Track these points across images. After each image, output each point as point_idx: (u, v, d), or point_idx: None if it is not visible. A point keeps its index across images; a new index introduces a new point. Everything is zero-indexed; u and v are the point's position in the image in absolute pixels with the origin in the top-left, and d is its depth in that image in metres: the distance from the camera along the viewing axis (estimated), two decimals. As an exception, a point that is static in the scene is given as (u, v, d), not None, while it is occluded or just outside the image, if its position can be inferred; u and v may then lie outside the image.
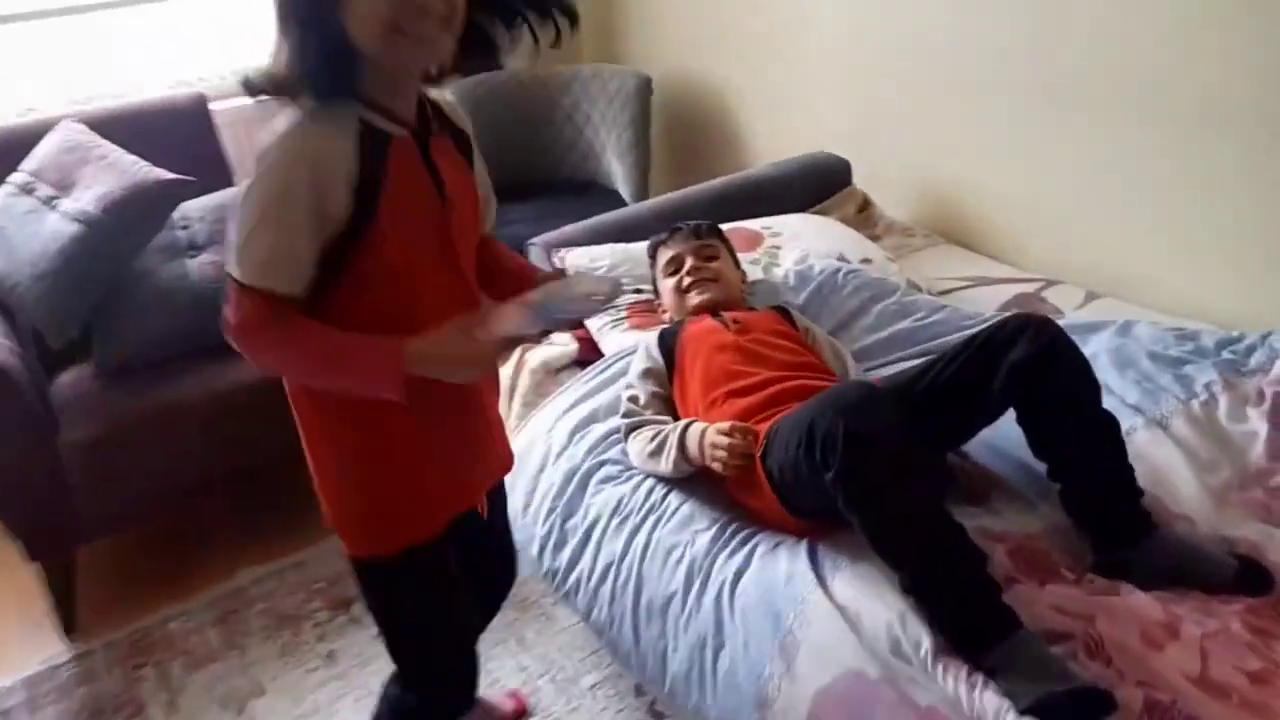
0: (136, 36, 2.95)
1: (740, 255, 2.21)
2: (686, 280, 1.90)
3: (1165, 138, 2.05)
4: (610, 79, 3.09)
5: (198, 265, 2.36)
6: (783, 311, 1.88)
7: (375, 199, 1.11)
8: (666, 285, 1.96)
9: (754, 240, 2.27)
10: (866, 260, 2.20)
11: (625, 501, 1.65)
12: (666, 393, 1.75)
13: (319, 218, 1.09)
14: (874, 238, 2.50)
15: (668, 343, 1.79)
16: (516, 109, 3.15)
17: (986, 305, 2.16)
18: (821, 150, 2.66)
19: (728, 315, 1.81)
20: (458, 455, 1.29)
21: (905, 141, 2.64)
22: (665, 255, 1.99)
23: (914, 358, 1.92)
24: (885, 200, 2.65)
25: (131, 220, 2.23)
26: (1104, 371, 1.71)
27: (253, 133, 2.98)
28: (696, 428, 1.56)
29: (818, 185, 2.57)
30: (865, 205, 2.60)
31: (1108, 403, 1.45)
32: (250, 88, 1.10)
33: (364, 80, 1.11)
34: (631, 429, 1.70)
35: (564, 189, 3.14)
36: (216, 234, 2.43)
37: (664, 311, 2.00)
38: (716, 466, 1.50)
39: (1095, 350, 1.79)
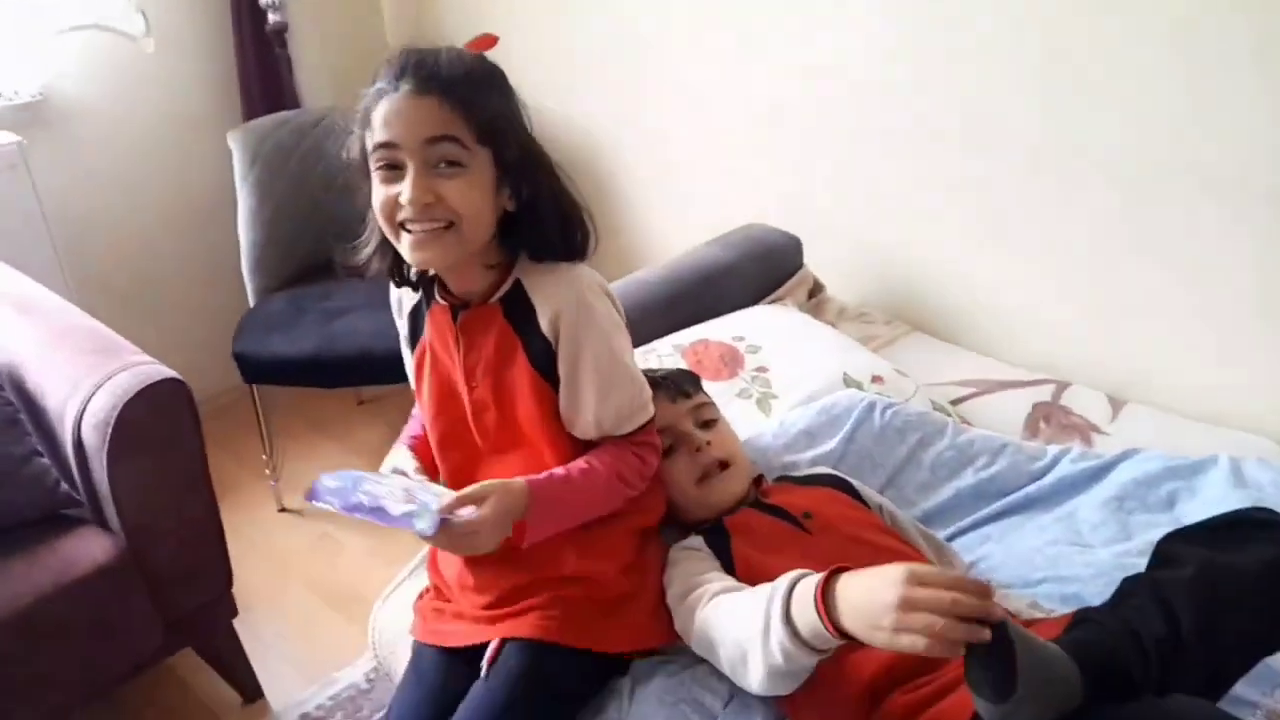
0: None
1: (720, 384, 1.71)
2: (704, 468, 1.34)
3: (1222, 214, 1.70)
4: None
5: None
6: (841, 484, 1.39)
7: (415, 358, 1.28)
8: (672, 475, 1.36)
9: (732, 360, 1.75)
10: (876, 378, 1.74)
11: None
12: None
13: None
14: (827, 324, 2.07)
15: (722, 550, 1.25)
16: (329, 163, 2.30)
17: (1005, 419, 1.78)
18: (758, 223, 2.18)
19: (793, 507, 1.29)
20: None
21: (842, 209, 2.22)
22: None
23: (978, 525, 1.50)
24: (823, 279, 2.22)
25: None
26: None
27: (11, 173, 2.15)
28: (808, 585, 0.98)
29: (766, 269, 2.09)
30: (816, 290, 2.16)
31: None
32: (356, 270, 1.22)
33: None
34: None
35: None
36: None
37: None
38: (914, 645, 0.85)
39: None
